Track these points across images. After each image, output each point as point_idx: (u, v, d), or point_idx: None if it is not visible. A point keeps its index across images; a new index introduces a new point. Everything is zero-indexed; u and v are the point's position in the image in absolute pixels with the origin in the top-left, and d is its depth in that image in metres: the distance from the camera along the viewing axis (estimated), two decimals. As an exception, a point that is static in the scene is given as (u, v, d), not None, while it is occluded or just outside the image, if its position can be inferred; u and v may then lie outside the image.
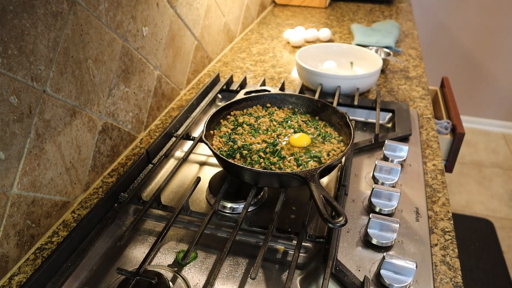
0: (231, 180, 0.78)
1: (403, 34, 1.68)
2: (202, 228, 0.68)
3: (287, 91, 1.15)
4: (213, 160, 0.93)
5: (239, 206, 0.77)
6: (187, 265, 0.68)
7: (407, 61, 1.43)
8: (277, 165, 0.75)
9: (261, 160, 0.76)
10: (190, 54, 1.21)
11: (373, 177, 0.84)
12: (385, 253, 0.63)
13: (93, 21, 0.76)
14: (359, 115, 1.10)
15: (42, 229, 0.72)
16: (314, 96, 1.02)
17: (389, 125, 1.07)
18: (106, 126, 0.86)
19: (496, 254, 2.05)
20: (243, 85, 1.19)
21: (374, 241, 0.69)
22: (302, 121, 0.89)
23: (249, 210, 0.77)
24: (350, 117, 1.06)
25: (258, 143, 0.81)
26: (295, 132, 0.85)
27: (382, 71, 1.34)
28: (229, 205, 0.77)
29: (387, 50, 1.40)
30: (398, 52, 1.50)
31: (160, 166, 0.90)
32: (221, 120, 0.88)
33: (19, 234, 0.67)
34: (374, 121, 1.07)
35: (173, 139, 0.96)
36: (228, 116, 0.90)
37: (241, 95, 0.96)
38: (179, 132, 0.98)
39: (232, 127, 0.86)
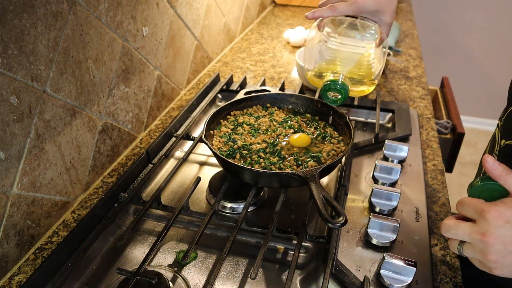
0: (231, 180, 0.78)
1: (403, 34, 1.68)
2: (202, 228, 0.68)
3: (287, 91, 1.15)
4: (213, 160, 0.93)
5: (239, 206, 0.77)
6: (187, 265, 0.68)
7: (407, 61, 1.43)
8: (277, 165, 0.75)
9: (261, 160, 0.76)
10: (190, 54, 1.21)
11: (373, 177, 0.84)
12: (385, 253, 0.63)
13: (93, 21, 0.76)
14: (359, 115, 1.10)
15: (42, 229, 0.72)
16: (314, 96, 1.01)
17: (389, 125, 1.07)
18: (106, 126, 0.86)
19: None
20: (243, 85, 1.19)
21: (374, 241, 0.69)
22: (302, 121, 0.89)
23: (249, 210, 0.77)
24: (350, 117, 1.06)
25: (258, 143, 0.81)
26: (295, 132, 0.85)
27: (382, 71, 1.34)
28: (229, 205, 0.77)
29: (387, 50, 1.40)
30: (398, 52, 1.50)
31: (160, 166, 0.90)
32: (221, 120, 0.88)
33: (19, 234, 0.67)
34: (374, 121, 1.07)
35: (173, 139, 0.96)
36: (228, 116, 0.90)
37: (241, 95, 0.96)
38: (179, 132, 0.98)
39: (232, 127, 0.86)
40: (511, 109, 0.67)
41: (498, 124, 0.73)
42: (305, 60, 0.78)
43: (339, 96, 0.71)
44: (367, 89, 0.75)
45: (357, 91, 0.75)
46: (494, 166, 0.49)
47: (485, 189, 0.51)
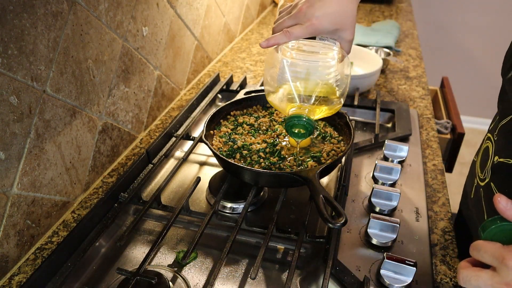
0: (231, 180, 0.78)
1: (403, 34, 1.68)
2: (202, 228, 0.68)
3: (287, 91, 1.14)
4: (213, 160, 0.93)
5: (239, 206, 0.77)
6: (187, 265, 0.68)
7: (407, 61, 1.43)
8: (277, 165, 0.75)
9: (261, 160, 0.76)
10: (190, 54, 1.21)
11: (373, 177, 0.84)
12: (385, 253, 0.63)
13: (93, 21, 0.76)
14: (359, 115, 1.10)
15: (42, 229, 0.72)
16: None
17: (389, 125, 1.07)
18: (106, 126, 0.86)
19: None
20: (243, 85, 1.19)
21: (374, 241, 0.69)
22: (302, 121, 0.88)
23: (249, 210, 0.77)
24: (350, 117, 1.06)
25: (258, 143, 0.81)
26: (295, 132, 0.85)
27: (382, 71, 1.34)
28: (229, 205, 0.77)
29: (387, 50, 1.40)
30: (398, 52, 1.50)
31: (160, 166, 0.90)
32: (221, 120, 0.88)
33: (19, 234, 0.67)
34: (374, 121, 1.07)
35: (173, 139, 0.96)
36: (228, 116, 0.90)
37: (241, 95, 0.96)
38: (179, 132, 0.98)
39: (232, 127, 0.86)
40: (503, 123, 0.66)
41: (490, 137, 0.70)
42: (265, 82, 0.72)
43: (304, 131, 0.67)
44: (330, 110, 0.70)
45: (324, 113, 0.70)
46: (507, 206, 0.46)
47: (500, 230, 0.47)
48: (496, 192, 0.64)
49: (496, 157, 0.65)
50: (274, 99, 0.71)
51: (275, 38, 0.66)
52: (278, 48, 0.68)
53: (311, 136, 0.83)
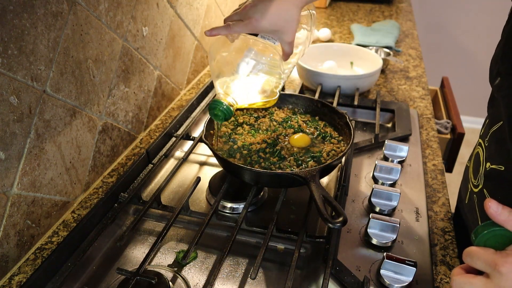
0: (231, 180, 0.78)
1: (403, 34, 1.68)
2: (202, 228, 0.68)
3: (287, 91, 1.15)
4: (213, 160, 0.93)
5: (239, 206, 0.77)
6: (187, 265, 0.68)
7: (407, 61, 1.43)
8: (277, 165, 0.75)
9: (261, 160, 0.76)
10: (190, 54, 1.21)
11: (373, 177, 0.84)
12: (385, 253, 0.63)
13: (93, 21, 0.76)
14: (359, 115, 1.10)
15: (42, 229, 0.72)
16: (314, 96, 1.01)
17: (389, 125, 1.07)
18: (106, 126, 0.86)
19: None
20: (243, 85, 1.19)
21: (374, 241, 0.69)
22: (302, 121, 0.89)
23: (249, 210, 0.77)
24: (350, 117, 1.06)
25: (258, 143, 0.81)
26: (295, 132, 0.85)
27: (382, 71, 1.34)
28: (229, 205, 0.77)
29: (387, 50, 1.40)
30: (398, 52, 1.50)
31: (160, 166, 0.90)
32: (221, 120, 0.88)
33: (19, 234, 0.67)
34: (374, 121, 1.07)
35: (173, 139, 0.96)
36: (228, 116, 0.90)
37: (241, 95, 0.96)
38: (179, 132, 0.98)
39: (232, 127, 0.86)
40: (494, 129, 0.66)
41: (480, 143, 0.70)
42: (211, 65, 0.75)
43: (222, 116, 0.71)
44: (266, 99, 0.75)
45: (258, 104, 0.75)
46: (498, 211, 0.45)
47: (492, 236, 0.46)
48: None
49: (488, 164, 0.65)
50: (219, 82, 0.73)
51: (217, 29, 0.70)
52: (232, 37, 0.72)
53: (311, 136, 0.83)
